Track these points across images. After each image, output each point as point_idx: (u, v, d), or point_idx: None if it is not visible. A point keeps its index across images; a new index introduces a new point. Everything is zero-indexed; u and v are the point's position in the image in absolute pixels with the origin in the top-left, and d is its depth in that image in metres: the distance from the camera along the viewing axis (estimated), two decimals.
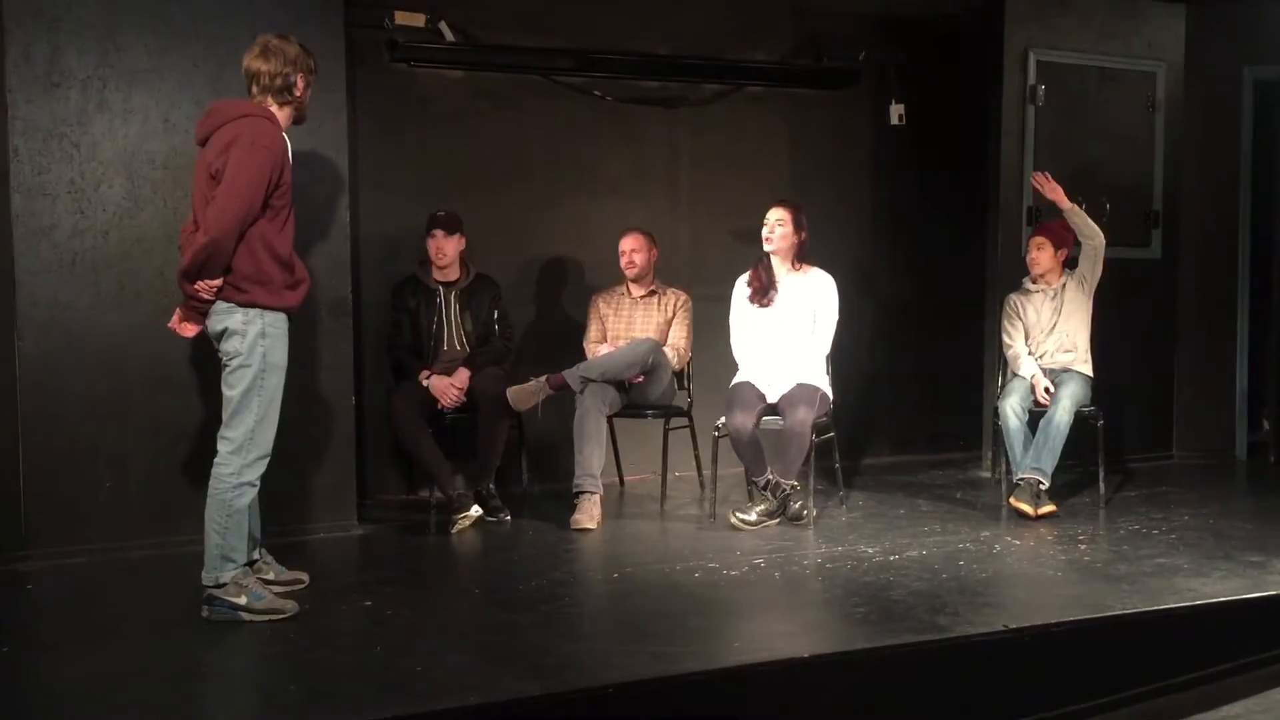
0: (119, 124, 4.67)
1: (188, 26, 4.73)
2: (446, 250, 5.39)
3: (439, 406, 5.27)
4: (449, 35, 5.80)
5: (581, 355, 5.69)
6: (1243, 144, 6.88)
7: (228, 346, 3.83)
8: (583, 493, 5.24)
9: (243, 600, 3.82)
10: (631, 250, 5.72)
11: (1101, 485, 5.66)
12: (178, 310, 3.92)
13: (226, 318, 3.81)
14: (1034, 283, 5.78)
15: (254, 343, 3.81)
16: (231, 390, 3.84)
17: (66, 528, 4.64)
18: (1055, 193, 5.64)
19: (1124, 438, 6.52)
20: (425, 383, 5.28)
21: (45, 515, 4.62)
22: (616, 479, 6.11)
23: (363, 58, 5.62)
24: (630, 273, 5.74)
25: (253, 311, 3.80)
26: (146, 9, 4.67)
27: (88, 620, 4.00)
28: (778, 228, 5.33)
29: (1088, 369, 5.67)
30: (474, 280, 5.52)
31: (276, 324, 3.86)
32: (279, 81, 3.86)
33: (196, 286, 3.78)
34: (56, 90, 4.57)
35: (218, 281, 3.77)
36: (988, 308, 6.48)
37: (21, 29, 4.52)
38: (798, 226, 5.35)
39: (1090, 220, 5.65)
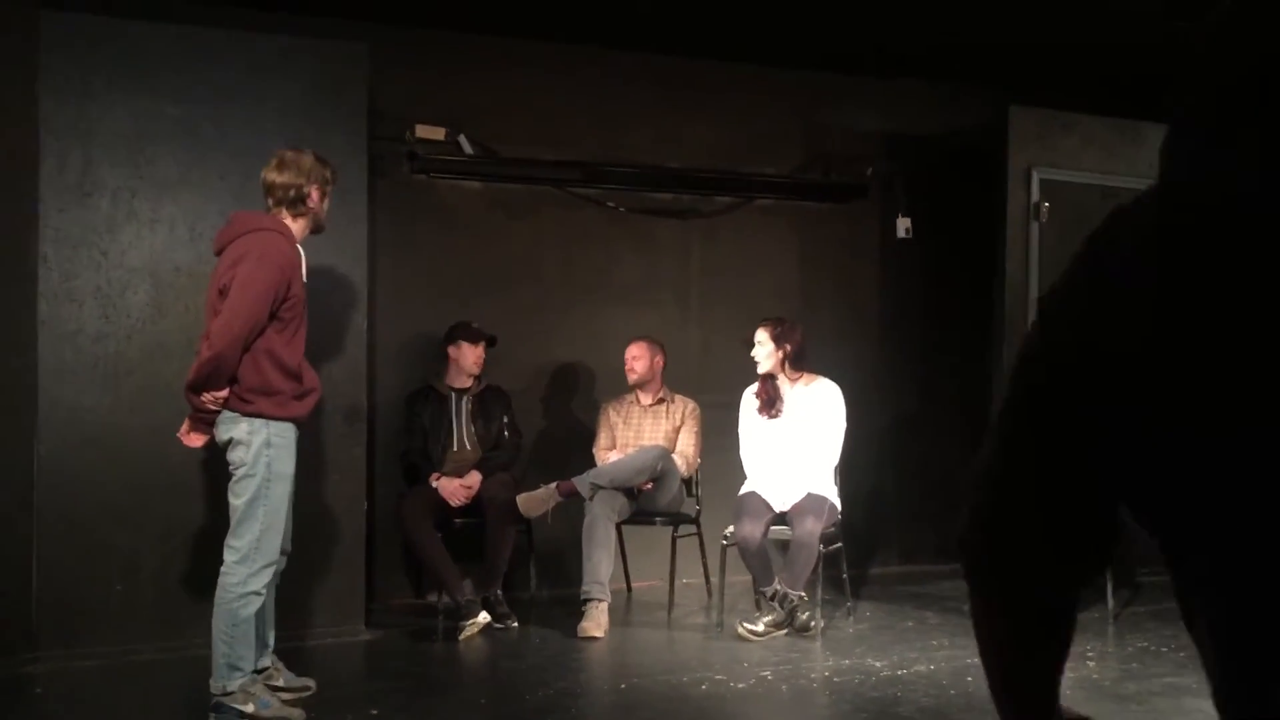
0: (146, 233, 4.81)
1: (215, 140, 4.89)
2: (480, 359, 5.50)
3: (455, 504, 5.32)
4: (468, 148, 5.97)
5: (591, 462, 5.75)
6: None
7: (233, 456, 3.87)
8: (590, 600, 5.25)
9: (250, 708, 3.82)
10: (632, 358, 5.82)
11: (1110, 600, 5.65)
12: (186, 420, 3.98)
13: (232, 427, 3.85)
14: None
15: (259, 453, 3.84)
16: (237, 499, 3.87)
17: (77, 630, 4.67)
18: None
19: (1132, 552, 6.49)
20: (435, 484, 5.34)
21: (56, 617, 4.65)
22: (624, 586, 6.12)
23: (384, 169, 5.78)
24: (630, 379, 5.82)
25: (258, 422, 3.83)
26: (178, 122, 4.84)
27: None
28: (759, 349, 5.44)
29: None
30: (485, 389, 5.62)
31: (282, 434, 3.89)
32: (292, 193, 3.93)
33: (202, 398, 3.84)
34: (88, 200, 4.72)
35: (223, 393, 3.81)
36: (993, 419, 6.51)
37: (57, 140, 4.69)
38: (780, 341, 5.42)
39: None
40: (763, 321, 5.54)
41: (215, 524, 4.72)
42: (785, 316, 5.59)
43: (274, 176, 3.95)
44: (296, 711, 3.91)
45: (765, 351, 5.43)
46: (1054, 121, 6.64)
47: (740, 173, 6.63)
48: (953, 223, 6.96)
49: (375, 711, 4.07)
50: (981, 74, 6.72)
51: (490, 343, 5.60)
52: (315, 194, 3.98)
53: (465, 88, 6.09)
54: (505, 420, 5.65)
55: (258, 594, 3.89)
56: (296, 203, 3.95)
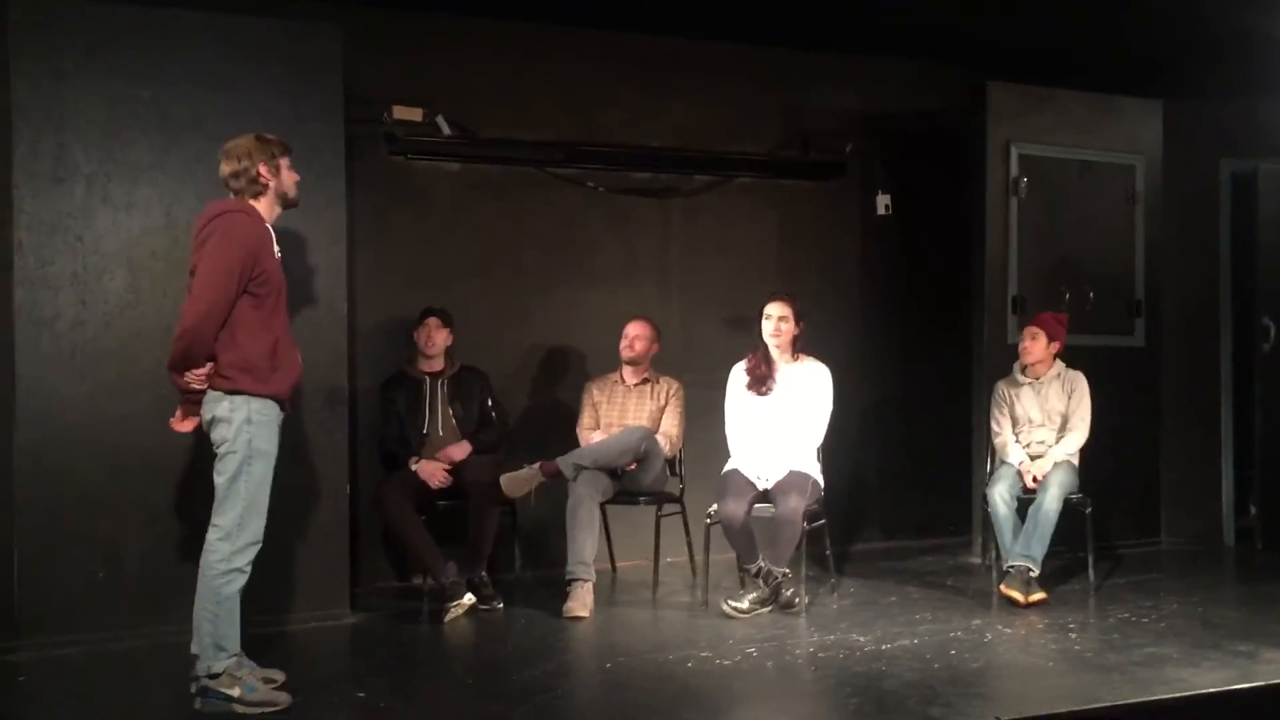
0: (122, 218, 4.76)
1: (190, 123, 4.84)
2: (437, 340, 5.50)
3: (435, 486, 5.32)
4: (446, 129, 5.94)
5: (575, 442, 5.74)
6: (1222, 234, 7.03)
7: (215, 434, 3.88)
8: (575, 580, 5.25)
9: (236, 692, 3.81)
10: (634, 336, 5.81)
11: (1091, 572, 5.69)
12: (179, 408, 3.98)
13: (214, 405, 3.87)
14: (1024, 372, 5.86)
15: (239, 429, 3.85)
16: (220, 477, 3.88)
17: (59, 618, 4.64)
18: (1027, 475, 5.62)
19: (1112, 524, 6.56)
20: (414, 467, 5.32)
21: (38, 605, 4.62)
22: (609, 565, 6.13)
23: (361, 151, 5.74)
24: (627, 354, 5.80)
25: (239, 399, 3.85)
26: (151, 106, 4.79)
27: (80, 714, 3.99)
28: (782, 325, 5.41)
29: (1075, 456, 5.73)
30: (459, 371, 5.61)
31: (263, 411, 3.90)
32: (242, 179, 3.97)
33: (186, 378, 3.84)
34: (62, 185, 4.67)
35: (205, 370, 3.83)
36: (975, 395, 6.56)
37: (29, 125, 4.63)
38: (798, 320, 5.44)
39: (1069, 446, 5.68)
40: (778, 295, 5.50)
41: (196, 510, 4.68)
42: (794, 293, 5.57)
43: (222, 169, 4.01)
44: (283, 696, 3.89)
45: (788, 328, 5.41)
46: (1031, 97, 6.66)
47: (719, 151, 6.62)
48: (932, 199, 6.97)
49: (362, 694, 4.07)
50: (959, 51, 6.72)
51: (443, 317, 5.53)
52: (264, 170, 3.98)
53: (442, 68, 6.05)
54: (489, 402, 5.64)
55: (242, 571, 3.87)
56: (251, 184, 3.98)
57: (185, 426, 3.99)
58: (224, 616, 3.84)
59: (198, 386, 3.85)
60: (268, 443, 3.93)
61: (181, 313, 3.87)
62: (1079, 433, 5.71)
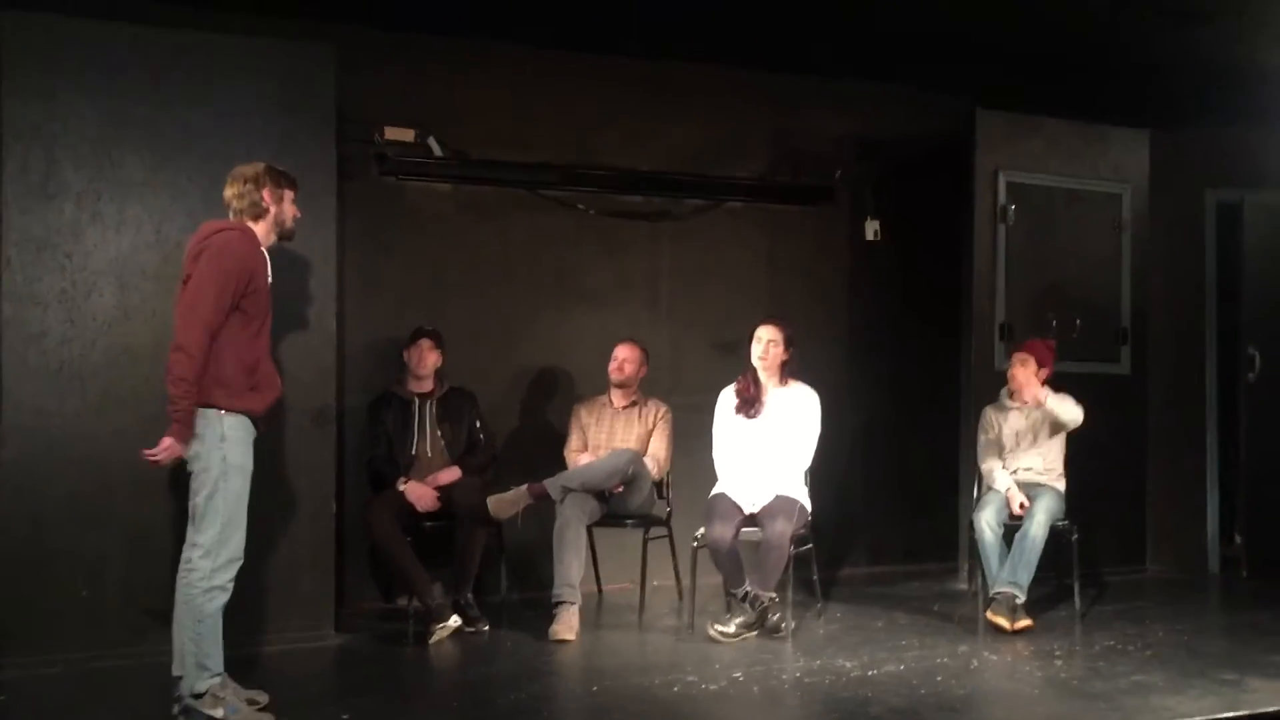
0: (112, 235, 4.76)
1: (182, 142, 4.84)
2: (428, 361, 5.50)
3: (422, 509, 5.30)
4: (437, 150, 5.96)
5: (562, 464, 5.74)
6: (1207, 263, 7.09)
7: (190, 452, 3.86)
8: (562, 603, 5.24)
9: (219, 713, 3.79)
10: (624, 359, 5.82)
11: (1076, 599, 5.70)
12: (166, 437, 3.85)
13: None
14: (1011, 398, 5.87)
15: (213, 446, 3.85)
16: (196, 496, 3.87)
17: (41, 636, 4.61)
18: (1031, 387, 5.65)
19: (1098, 551, 6.57)
20: (402, 488, 5.31)
21: (20, 623, 4.59)
22: (595, 588, 6.12)
23: (353, 171, 5.75)
24: (616, 377, 5.81)
25: (212, 414, 3.85)
26: (143, 124, 4.79)
27: None
28: (771, 348, 5.43)
29: (1061, 483, 5.75)
30: (448, 392, 5.60)
31: (237, 427, 3.90)
32: (245, 202, 4.03)
33: (174, 393, 3.80)
34: (52, 202, 4.67)
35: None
36: (962, 420, 6.57)
37: (19, 142, 4.63)
38: (788, 345, 5.46)
39: (1069, 408, 5.69)
40: (770, 319, 5.53)
41: (181, 529, 4.63)
42: (785, 316, 5.58)
43: (226, 191, 4.07)
44: (266, 717, 3.88)
45: (776, 352, 5.43)
46: (1020, 125, 6.70)
47: (709, 175, 6.64)
48: (921, 225, 7.01)
49: (346, 716, 4.04)
50: (948, 78, 6.77)
51: (433, 338, 5.54)
52: (267, 196, 4.04)
53: (434, 89, 6.07)
54: (478, 424, 5.64)
55: (223, 589, 3.86)
56: (252, 208, 4.04)
57: (164, 454, 3.92)
58: (206, 635, 3.82)
59: (184, 405, 3.78)
60: (243, 458, 3.92)
61: (175, 325, 3.87)
62: (1074, 407, 5.67)
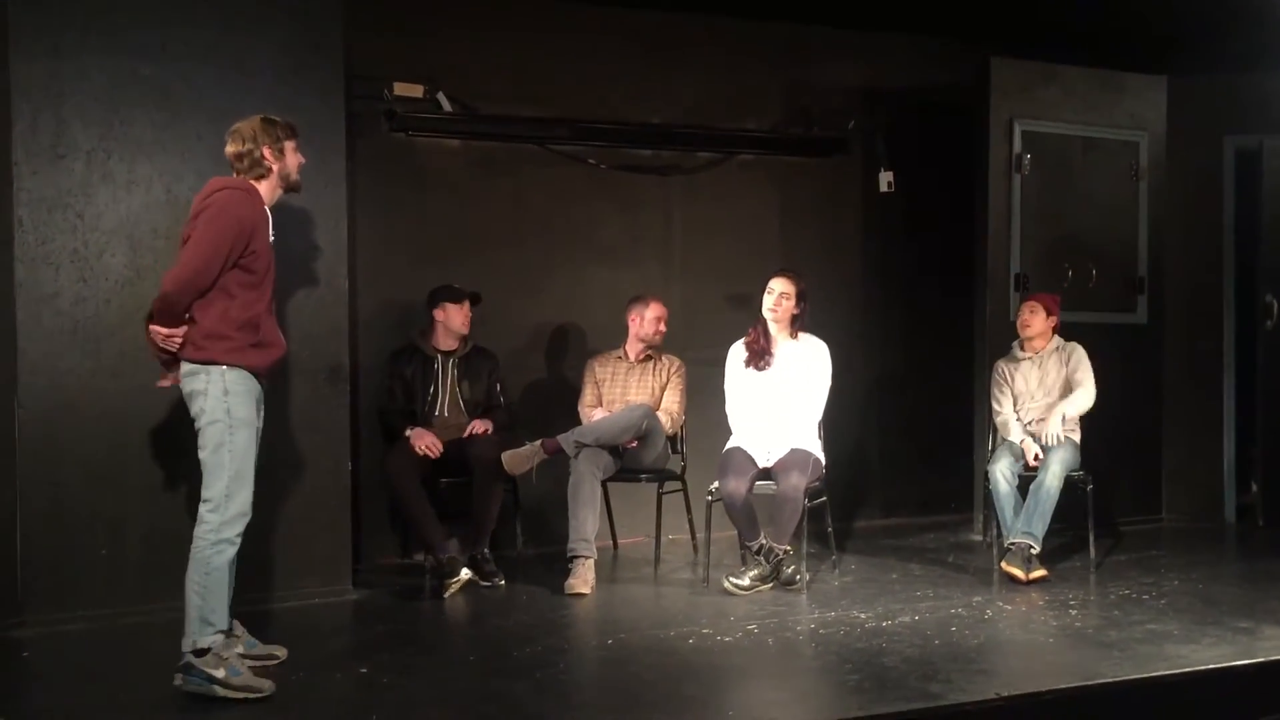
0: (122, 194, 4.75)
1: (191, 100, 4.82)
2: (465, 323, 5.51)
3: (421, 453, 5.29)
4: (447, 106, 5.92)
5: (576, 419, 5.75)
6: (1225, 210, 7.01)
7: (194, 408, 3.89)
8: (577, 557, 5.26)
9: (220, 673, 3.77)
10: (657, 318, 5.83)
11: (1092, 549, 5.70)
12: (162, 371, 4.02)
13: (191, 380, 3.89)
14: (1023, 349, 5.85)
15: (217, 400, 3.86)
16: (203, 451, 3.89)
17: (63, 593, 4.66)
18: (1047, 429, 5.57)
19: (1113, 501, 6.57)
20: (408, 434, 5.32)
21: (42, 581, 4.64)
22: (610, 543, 6.15)
23: (362, 128, 5.73)
24: (655, 339, 5.82)
25: (214, 370, 3.86)
26: (151, 83, 4.77)
27: (83, 689, 4.00)
28: (783, 300, 5.40)
29: (1076, 434, 5.73)
30: (471, 350, 5.60)
31: (239, 381, 3.91)
32: (246, 160, 4.00)
33: (160, 340, 3.85)
34: (61, 162, 4.66)
35: (174, 332, 3.84)
36: (977, 372, 6.55)
37: (28, 102, 4.61)
38: (800, 299, 5.43)
39: (1081, 402, 5.65)
40: (784, 272, 5.48)
41: (198, 485, 4.71)
42: (801, 272, 5.54)
43: (228, 149, 4.04)
44: (266, 683, 3.84)
45: (788, 305, 5.40)
46: (1034, 73, 6.62)
47: (722, 128, 6.59)
48: (934, 176, 6.95)
49: (364, 670, 4.09)
50: (962, 27, 6.68)
51: (474, 300, 5.57)
52: (268, 153, 4.01)
53: (443, 45, 6.03)
54: (498, 386, 5.64)
55: (231, 542, 3.87)
56: (254, 166, 4.02)
57: (165, 383, 4.02)
58: (212, 588, 3.83)
59: (166, 347, 3.87)
60: (247, 412, 3.93)
61: (163, 277, 3.90)
62: (1085, 390, 5.67)
